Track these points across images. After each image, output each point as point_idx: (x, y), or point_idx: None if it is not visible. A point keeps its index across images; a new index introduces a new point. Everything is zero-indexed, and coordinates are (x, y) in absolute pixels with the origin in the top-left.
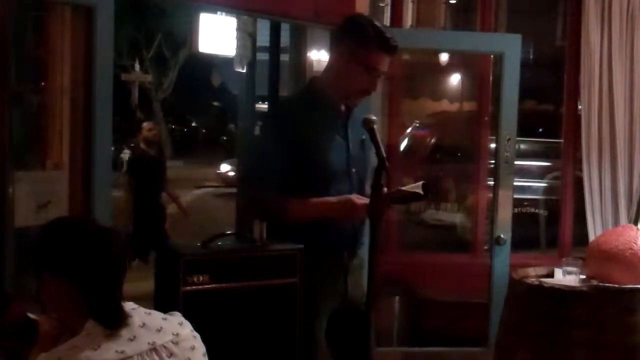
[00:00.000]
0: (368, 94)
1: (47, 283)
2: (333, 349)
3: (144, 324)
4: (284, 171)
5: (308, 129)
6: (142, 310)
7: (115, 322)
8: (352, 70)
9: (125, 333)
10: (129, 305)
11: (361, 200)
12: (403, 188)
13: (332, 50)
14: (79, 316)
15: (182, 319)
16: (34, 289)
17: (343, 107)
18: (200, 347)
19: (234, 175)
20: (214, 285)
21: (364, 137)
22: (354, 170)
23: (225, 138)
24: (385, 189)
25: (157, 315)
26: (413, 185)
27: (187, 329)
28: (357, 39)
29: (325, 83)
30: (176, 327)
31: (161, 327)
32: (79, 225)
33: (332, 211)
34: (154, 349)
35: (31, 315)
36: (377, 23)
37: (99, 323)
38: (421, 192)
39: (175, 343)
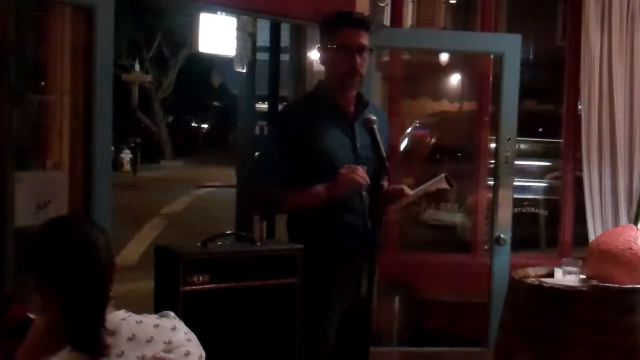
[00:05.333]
0: (355, 73)
1: (35, 287)
2: (338, 349)
3: (133, 335)
4: (289, 169)
5: (312, 128)
6: (133, 319)
7: (93, 350)
8: (333, 56)
9: (112, 349)
10: (118, 316)
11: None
12: (426, 185)
13: (318, 50)
14: (64, 325)
15: (176, 322)
16: (33, 288)
17: (352, 108)
18: (196, 351)
19: (235, 173)
20: (213, 285)
21: None
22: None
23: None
24: (386, 183)
25: (148, 322)
26: (435, 180)
27: (180, 334)
28: (327, 26)
29: (326, 82)
30: (168, 334)
31: (151, 337)
32: (67, 235)
33: (326, 191)
34: None
35: (31, 315)
36: (346, 10)
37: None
38: (447, 186)
39: (168, 351)
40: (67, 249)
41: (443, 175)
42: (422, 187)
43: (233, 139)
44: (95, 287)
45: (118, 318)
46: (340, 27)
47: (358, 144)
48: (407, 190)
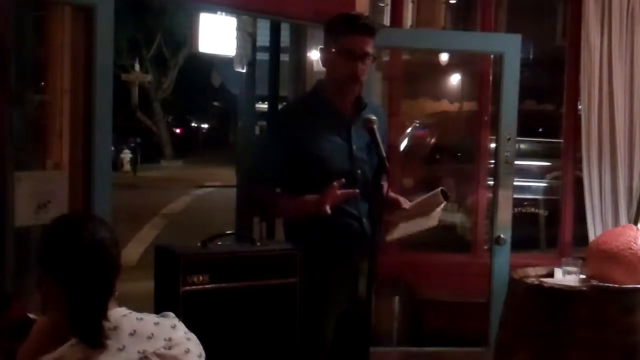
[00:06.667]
0: (356, 80)
1: (41, 279)
2: (337, 349)
3: (134, 331)
4: (284, 171)
5: (307, 130)
6: (134, 315)
7: (93, 340)
8: (335, 60)
9: (113, 343)
10: (120, 312)
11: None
12: (423, 199)
13: (320, 51)
14: (67, 320)
15: (175, 321)
16: (36, 282)
17: (350, 110)
18: (195, 349)
19: (235, 173)
20: (213, 285)
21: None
22: (359, 171)
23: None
24: (386, 185)
25: (149, 320)
26: (431, 194)
27: (180, 332)
28: (331, 30)
29: (326, 84)
30: (168, 332)
31: (152, 334)
32: (76, 229)
33: (307, 205)
34: (144, 357)
35: (31, 315)
36: (353, 13)
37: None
38: (444, 201)
39: (168, 348)
40: (75, 242)
41: (439, 189)
42: (418, 200)
43: (233, 139)
44: (100, 279)
45: (120, 314)
46: (346, 32)
47: (354, 147)
48: (404, 204)
